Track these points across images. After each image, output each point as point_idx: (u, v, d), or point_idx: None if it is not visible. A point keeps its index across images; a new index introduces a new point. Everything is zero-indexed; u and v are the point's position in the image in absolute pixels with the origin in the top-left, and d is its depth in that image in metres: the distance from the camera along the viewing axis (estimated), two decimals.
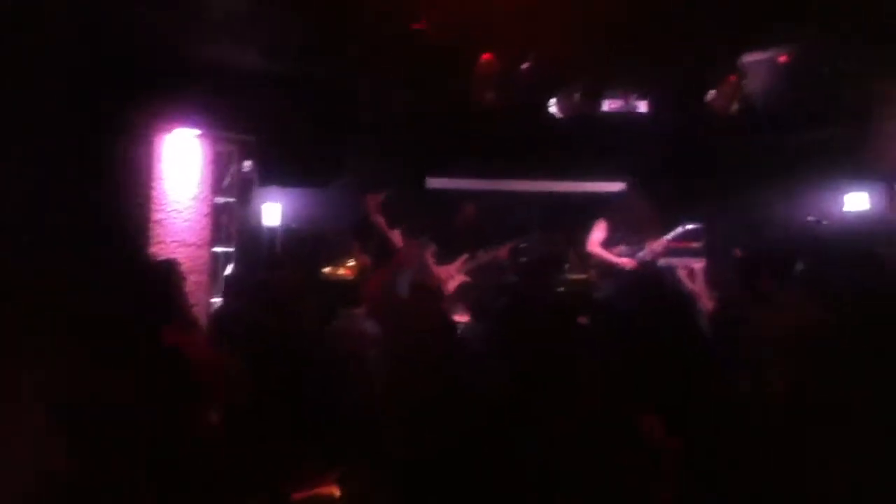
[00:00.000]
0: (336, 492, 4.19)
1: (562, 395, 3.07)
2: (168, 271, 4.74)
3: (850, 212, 8.11)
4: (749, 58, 6.56)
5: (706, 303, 5.25)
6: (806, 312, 3.71)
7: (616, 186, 8.24)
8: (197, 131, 7.14)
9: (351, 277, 7.50)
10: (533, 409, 3.02)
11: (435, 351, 3.55)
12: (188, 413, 3.24)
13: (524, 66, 6.45)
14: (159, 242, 6.97)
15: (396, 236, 7.55)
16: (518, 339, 3.55)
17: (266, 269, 5.73)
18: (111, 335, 3.14)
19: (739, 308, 4.56)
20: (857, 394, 2.58)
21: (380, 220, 7.43)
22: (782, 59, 6.42)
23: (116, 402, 2.86)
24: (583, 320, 4.51)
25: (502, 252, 7.67)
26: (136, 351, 3.00)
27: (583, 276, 7.87)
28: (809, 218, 8.08)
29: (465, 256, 7.62)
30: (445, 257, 7.62)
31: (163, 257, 6.27)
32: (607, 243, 6.80)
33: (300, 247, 7.89)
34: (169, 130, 7.02)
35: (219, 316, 5.65)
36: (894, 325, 3.39)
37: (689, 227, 6.88)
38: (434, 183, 8.91)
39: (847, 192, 8.07)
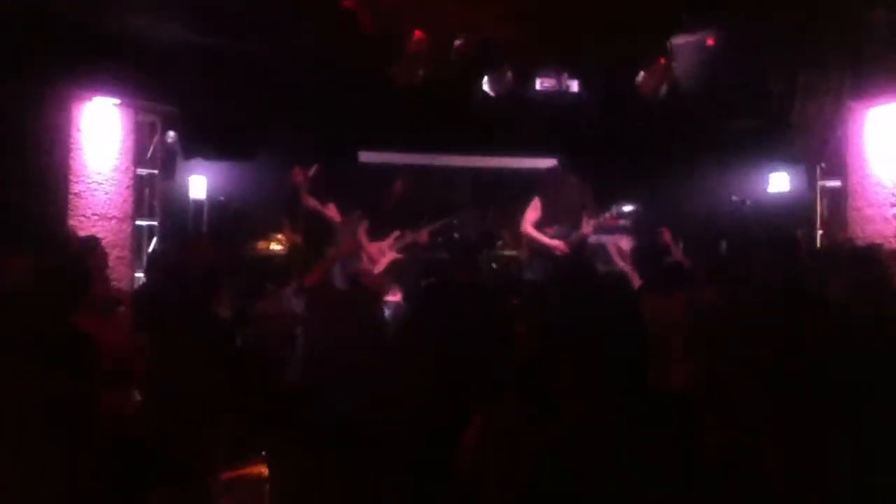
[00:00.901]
0: (264, 471, 4.16)
1: (485, 378, 3.08)
2: (88, 250, 4.60)
3: (772, 193, 8.35)
4: (678, 40, 6.64)
5: (634, 280, 5.33)
6: (721, 295, 3.80)
7: (547, 163, 8.30)
8: (117, 100, 6.87)
9: (280, 252, 7.40)
10: (456, 391, 3.03)
11: (363, 345, 3.52)
12: (99, 399, 3.15)
13: (456, 43, 6.40)
14: (79, 215, 6.73)
15: (332, 211, 7.47)
16: (443, 320, 3.54)
17: (186, 246, 5.58)
18: (19, 322, 3.02)
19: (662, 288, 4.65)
20: (761, 377, 2.63)
21: (311, 201, 7.34)
22: (710, 41, 6.52)
23: (25, 391, 2.77)
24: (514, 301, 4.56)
25: (422, 236, 7.66)
26: (44, 340, 2.90)
27: (514, 253, 7.94)
28: (734, 198, 8.29)
29: (396, 233, 7.58)
30: (377, 232, 7.57)
31: (83, 234, 6.05)
32: (541, 223, 6.84)
33: (225, 222, 7.73)
34: (87, 99, 6.75)
35: (141, 294, 5.50)
36: (806, 308, 3.50)
37: (624, 209, 6.97)
38: (365, 157, 8.83)
39: (769, 172, 8.30)
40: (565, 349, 3.16)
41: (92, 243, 4.88)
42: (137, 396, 4.01)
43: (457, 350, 3.28)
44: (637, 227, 7.43)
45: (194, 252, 5.16)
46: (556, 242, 6.73)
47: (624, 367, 2.85)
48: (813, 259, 6.18)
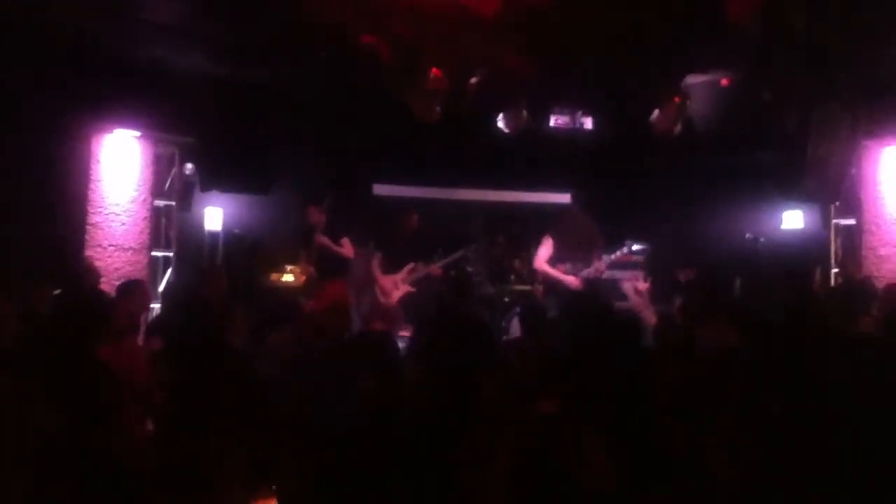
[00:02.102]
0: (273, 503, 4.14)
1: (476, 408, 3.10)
2: (129, 292, 4.65)
3: (786, 230, 8.34)
4: (692, 80, 6.68)
5: (650, 318, 5.32)
6: (734, 333, 3.79)
7: (561, 198, 8.33)
8: (136, 132, 6.97)
9: (292, 284, 7.43)
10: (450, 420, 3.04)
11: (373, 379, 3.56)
12: (116, 427, 3.17)
13: (472, 80, 6.46)
14: (96, 246, 6.80)
15: (346, 247, 7.51)
16: (437, 351, 3.58)
17: (201, 276, 5.61)
18: (41, 350, 3.06)
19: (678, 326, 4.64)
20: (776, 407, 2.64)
21: (324, 239, 7.41)
22: (724, 82, 6.57)
23: (44, 419, 2.79)
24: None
25: (435, 269, 7.69)
26: (65, 368, 2.93)
27: (527, 288, 7.94)
28: (748, 236, 8.28)
29: (410, 266, 7.60)
30: (390, 265, 7.60)
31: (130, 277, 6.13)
32: (553, 260, 6.85)
33: (240, 253, 7.78)
34: (108, 131, 6.85)
35: (156, 324, 5.53)
36: (821, 345, 3.50)
37: (635, 247, 6.97)
38: (379, 190, 8.88)
39: (783, 210, 8.30)
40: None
41: (134, 285, 4.92)
42: (150, 426, 4.02)
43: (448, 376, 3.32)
44: (650, 264, 7.43)
45: (209, 283, 5.19)
46: (569, 278, 6.73)
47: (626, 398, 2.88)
48: (830, 297, 6.16)
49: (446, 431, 2.99)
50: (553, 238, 6.90)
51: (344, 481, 3.22)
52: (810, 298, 5.10)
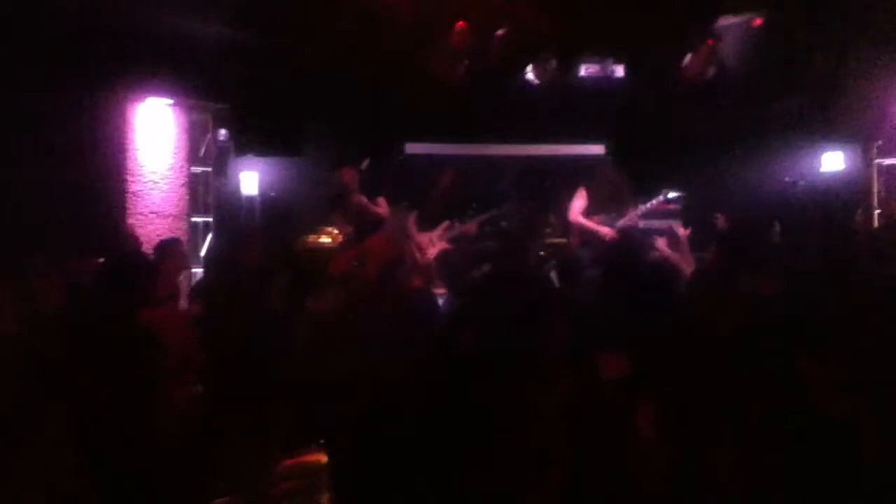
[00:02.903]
0: (323, 458, 4.25)
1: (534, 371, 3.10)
2: (168, 251, 4.75)
3: (825, 172, 8.16)
4: (724, 21, 6.53)
5: (686, 269, 5.29)
6: (774, 283, 3.74)
7: (594, 149, 8.25)
8: (170, 100, 7.06)
9: (328, 245, 7.50)
10: (505, 380, 3.06)
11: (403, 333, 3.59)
12: (158, 394, 3.27)
13: (498, 33, 6.39)
14: (137, 213, 6.95)
15: (382, 206, 7.55)
16: (493, 315, 3.58)
17: (239, 244, 5.71)
18: (86, 317, 3.16)
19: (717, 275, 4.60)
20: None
21: (361, 199, 7.44)
22: (757, 22, 6.40)
23: (82, 388, 2.88)
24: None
25: (470, 227, 7.69)
26: (111, 334, 3.02)
27: (562, 241, 7.92)
28: (787, 179, 8.12)
29: (446, 223, 7.62)
30: (425, 223, 7.63)
31: (166, 236, 6.25)
32: (588, 212, 6.83)
33: (276, 217, 7.87)
34: (142, 100, 6.94)
35: (198, 289, 5.65)
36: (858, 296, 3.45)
37: (670, 195, 6.90)
38: (411, 149, 8.88)
39: (822, 152, 8.11)
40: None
41: (173, 244, 5.04)
42: (199, 389, 4.15)
43: (507, 338, 3.32)
44: (687, 212, 7.35)
45: (246, 248, 5.28)
46: (605, 229, 6.70)
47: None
48: (872, 239, 6.06)
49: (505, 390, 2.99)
50: (587, 190, 6.87)
51: (394, 438, 3.30)
52: (850, 243, 5.01)
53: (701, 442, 2.49)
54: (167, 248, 5.02)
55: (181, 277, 5.25)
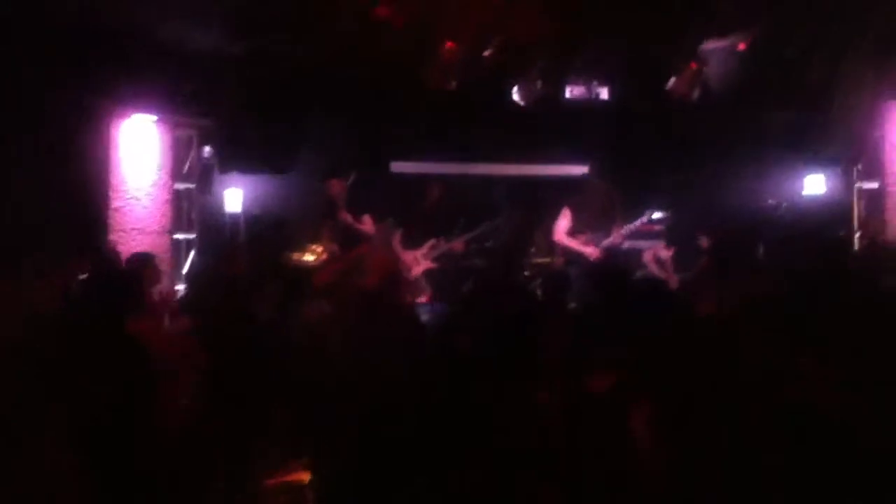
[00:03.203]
0: (305, 478, 4.20)
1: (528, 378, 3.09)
2: (144, 265, 4.72)
3: (808, 195, 8.27)
4: (709, 45, 6.62)
5: (672, 286, 5.33)
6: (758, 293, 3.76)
7: (579, 170, 8.29)
8: (154, 116, 7.01)
9: (312, 264, 7.46)
10: (495, 389, 3.04)
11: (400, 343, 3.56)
12: (153, 401, 3.21)
13: (486, 52, 6.43)
14: (119, 230, 6.86)
15: (367, 224, 7.54)
16: (487, 322, 3.56)
17: (225, 257, 5.67)
18: (77, 329, 3.10)
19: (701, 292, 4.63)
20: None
21: (346, 216, 7.43)
22: (741, 46, 6.50)
23: (81, 391, 2.83)
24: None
25: (457, 245, 7.69)
26: (102, 346, 2.96)
27: (547, 260, 7.94)
28: (770, 202, 8.21)
29: (431, 242, 7.62)
30: (411, 241, 7.62)
31: (126, 249, 6.18)
32: (573, 231, 6.85)
33: (262, 233, 7.82)
34: (126, 115, 6.89)
35: (183, 305, 5.58)
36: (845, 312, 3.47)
37: (655, 216, 6.95)
38: (398, 167, 8.88)
39: (805, 175, 8.22)
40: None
41: (147, 259, 5.00)
42: (185, 402, 4.08)
43: (497, 347, 3.31)
44: (671, 233, 7.40)
45: (233, 262, 5.24)
46: (588, 248, 6.73)
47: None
48: (853, 261, 6.12)
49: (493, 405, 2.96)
50: (572, 209, 6.90)
51: (382, 455, 3.26)
52: (841, 260, 5.05)
53: (699, 443, 2.48)
54: (141, 262, 4.98)
55: (155, 291, 5.19)
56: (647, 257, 6.17)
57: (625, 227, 6.83)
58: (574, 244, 6.82)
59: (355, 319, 3.82)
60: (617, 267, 5.33)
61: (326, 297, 4.34)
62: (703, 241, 6.53)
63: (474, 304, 3.68)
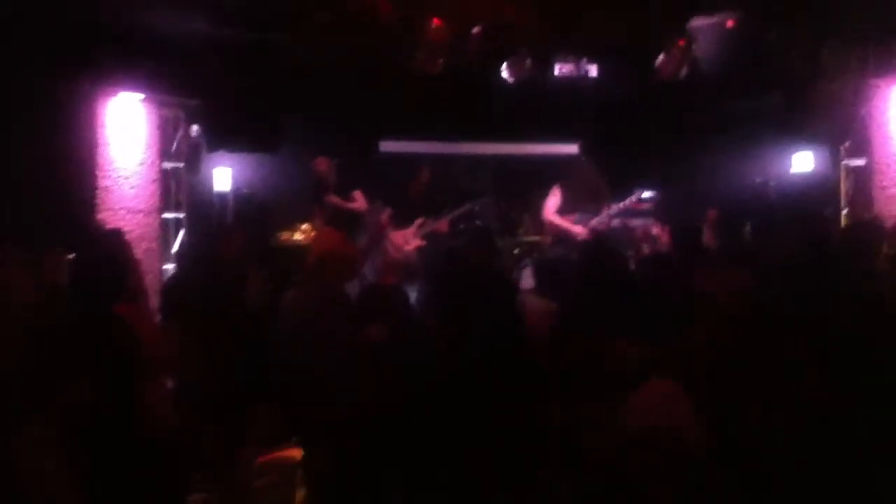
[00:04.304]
0: (298, 454, 4.24)
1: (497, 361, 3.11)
2: (118, 241, 4.70)
3: (796, 173, 8.29)
4: (697, 22, 6.60)
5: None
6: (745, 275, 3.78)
7: (569, 149, 8.29)
8: (141, 95, 6.96)
9: (301, 243, 7.47)
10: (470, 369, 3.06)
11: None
12: (138, 383, 3.23)
13: (474, 31, 6.40)
14: (107, 209, 6.84)
15: (358, 200, 7.53)
16: (453, 304, 3.58)
17: (217, 236, 5.66)
18: (63, 313, 3.11)
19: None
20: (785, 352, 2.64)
21: (334, 198, 7.41)
22: (730, 23, 6.48)
23: (66, 374, 2.84)
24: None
25: (448, 220, 7.69)
26: (87, 330, 2.97)
27: (536, 239, 7.97)
28: (757, 180, 8.24)
29: (420, 221, 7.63)
30: (399, 221, 7.62)
31: (109, 227, 6.16)
32: (562, 210, 6.86)
33: (250, 213, 7.82)
34: (112, 95, 6.84)
35: (171, 285, 5.59)
36: (834, 290, 3.50)
37: (644, 194, 6.97)
38: (385, 147, 8.86)
39: (793, 153, 8.23)
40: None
41: (117, 236, 4.98)
42: (170, 385, 4.10)
43: (467, 328, 3.33)
44: (660, 211, 7.43)
45: (225, 242, 5.23)
46: (577, 228, 6.75)
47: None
48: (840, 238, 6.16)
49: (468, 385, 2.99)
50: (561, 188, 6.91)
51: (363, 434, 3.29)
52: (827, 241, 5.09)
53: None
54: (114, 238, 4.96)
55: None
56: (640, 235, 6.19)
57: (613, 206, 6.85)
58: (563, 223, 6.83)
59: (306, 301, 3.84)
60: (602, 250, 5.33)
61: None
62: (711, 214, 6.51)
63: (446, 284, 3.68)
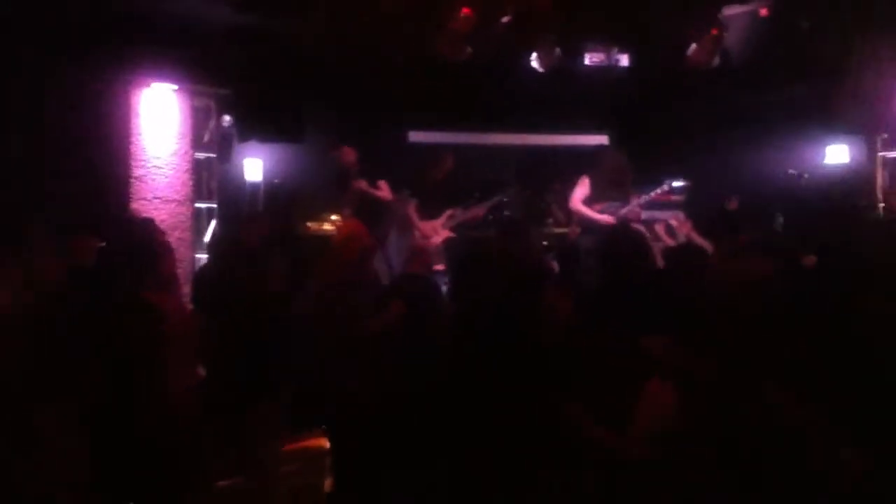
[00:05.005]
0: (325, 443, 4.28)
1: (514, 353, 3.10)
2: (149, 229, 4.79)
3: (830, 165, 8.15)
4: (729, 10, 6.50)
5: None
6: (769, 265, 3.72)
7: (597, 139, 8.23)
8: (174, 86, 7.06)
9: (331, 233, 7.52)
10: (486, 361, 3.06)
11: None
12: (158, 370, 3.28)
13: (504, 19, 6.37)
14: (140, 199, 6.97)
15: (384, 190, 7.56)
16: (476, 295, 3.58)
17: (244, 223, 5.73)
18: (94, 296, 3.17)
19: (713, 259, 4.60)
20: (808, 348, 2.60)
21: (362, 184, 7.44)
22: (763, 12, 6.37)
23: (97, 359, 2.89)
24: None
25: (478, 211, 7.68)
26: (118, 313, 3.03)
27: (564, 231, 7.93)
28: (790, 171, 8.11)
29: (449, 212, 7.64)
30: (426, 210, 7.64)
31: (141, 216, 6.27)
32: (590, 200, 6.82)
33: (280, 203, 7.89)
34: (146, 85, 6.96)
35: (202, 274, 5.67)
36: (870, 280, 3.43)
37: (674, 184, 6.90)
38: (413, 137, 8.88)
39: (827, 144, 8.10)
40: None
41: (149, 224, 5.07)
42: (201, 372, 4.17)
43: (486, 318, 3.32)
44: (691, 202, 7.35)
45: (251, 229, 5.29)
46: (605, 217, 6.71)
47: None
48: (875, 230, 6.04)
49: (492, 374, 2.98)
50: (590, 177, 6.87)
51: (390, 419, 3.31)
52: (855, 234, 4.99)
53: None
54: (152, 230, 5.04)
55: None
56: (660, 229, 6.12)
57: (642, 196, 6.79)
58: (590, 213, 6.80)
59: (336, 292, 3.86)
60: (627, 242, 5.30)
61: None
62: (732, 204, 6.43)
63: (472, 270, 3.68)
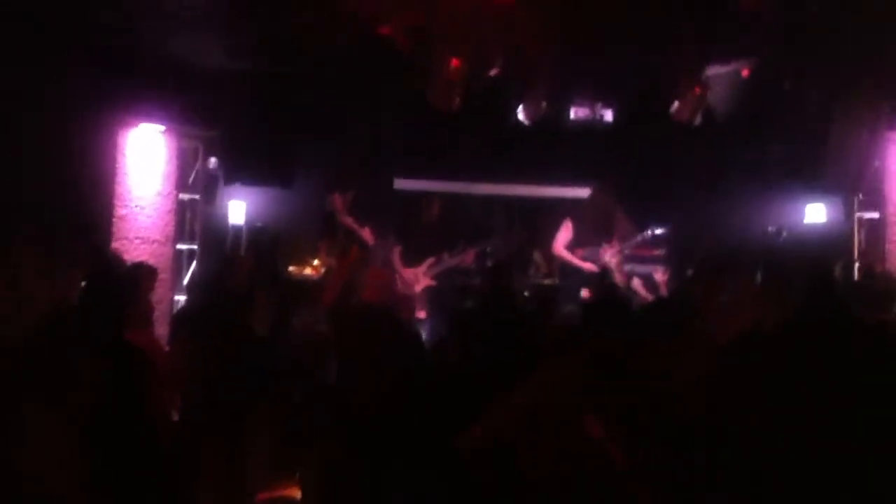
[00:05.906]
0: (297, 494, 4.21)
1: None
2: (141, 273, 4.75)
3: (808, 223, 8.26)
4: (713, 70, 6.67)
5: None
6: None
7: (581, 192, 8.31)
8: (161, 127, 7.07)
9: (311, 277, 7.50)
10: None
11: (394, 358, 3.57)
12: (150, 411, 3.22)
13: (492, 72, 6.49)
14: (122, 238, 6.91)
15: (367, 233, 7.57)
16: (483, 340, 3.58)
17: (223, 267, 5.70)
18: (74, 335, 3.12)
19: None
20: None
21: (348, 220, 7.46)
22: (745, 72, 6.54)
23: (80, 398, 2.84)
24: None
25: (468, 257, 7.70)
26: (100, 352, 2.98)
27: (548, 282, 7.95)
28: (770, 229, 8.21)
29: (431, 260, 7.64)
30: (411, 258, 7.65)
31: (127, 257, 6.22)
32: (572, 245, 6.89)
33: (262, 246, 7.86)
34: (133, 125, 6.96)
35: (181, 315, 5.61)
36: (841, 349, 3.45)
37: (656, 231, 6.98)
38: (399, 184, 8.92)
39: (806, 203, 8.22)
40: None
41: (144, 267, 5.03)
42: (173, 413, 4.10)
43: (488, 371, 3.33)
44: (671, 254, 7.41)
45: (234, 271, 5.26)
46: (587, 264, 6.77)
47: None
48: (852, 291, 6.11)
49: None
50: (573, 222, 6.94)
51: (371, 467, 3.27)
52: (832, 290, 5.03)
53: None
54: (140, 271, 5.00)
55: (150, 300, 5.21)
56: (636, 284, 6.19)
57: (625, 243, 6.87)
58: (572, 258, 6.86)
59: (356, 336, 3.82)
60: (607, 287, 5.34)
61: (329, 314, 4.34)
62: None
63: (471, 319, 3.70)
